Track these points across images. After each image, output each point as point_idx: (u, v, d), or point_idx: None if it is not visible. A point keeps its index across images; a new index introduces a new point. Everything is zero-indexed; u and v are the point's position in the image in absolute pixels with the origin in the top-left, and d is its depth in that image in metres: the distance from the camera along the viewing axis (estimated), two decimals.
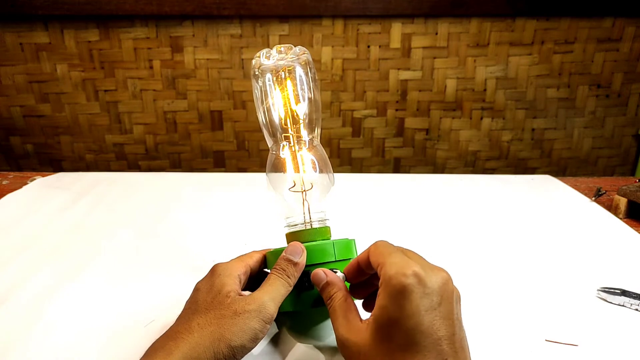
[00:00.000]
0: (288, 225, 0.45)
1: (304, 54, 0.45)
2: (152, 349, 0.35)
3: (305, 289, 0.41)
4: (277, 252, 0.47)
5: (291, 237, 0.45)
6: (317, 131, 0.47)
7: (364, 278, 0.40)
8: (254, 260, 0.43)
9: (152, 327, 0.46)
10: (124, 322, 0.46)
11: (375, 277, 0.38)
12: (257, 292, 0.38)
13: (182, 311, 0.39)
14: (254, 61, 0.45)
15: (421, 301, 0.31)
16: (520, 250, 0.62)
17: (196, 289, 0.40)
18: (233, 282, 0.39)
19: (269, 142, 0.48)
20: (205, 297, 0.38)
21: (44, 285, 0.52)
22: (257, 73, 0.46)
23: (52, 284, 0.52)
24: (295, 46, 0.45)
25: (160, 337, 0.36)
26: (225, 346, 0.34)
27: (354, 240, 0.45)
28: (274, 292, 0.38)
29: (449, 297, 0.33)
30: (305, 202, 0.45)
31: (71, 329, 0.45)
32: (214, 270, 0.41)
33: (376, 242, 0.39)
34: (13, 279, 0.53)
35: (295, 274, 0.39)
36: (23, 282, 0.52)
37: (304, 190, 0.45)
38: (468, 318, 0.47)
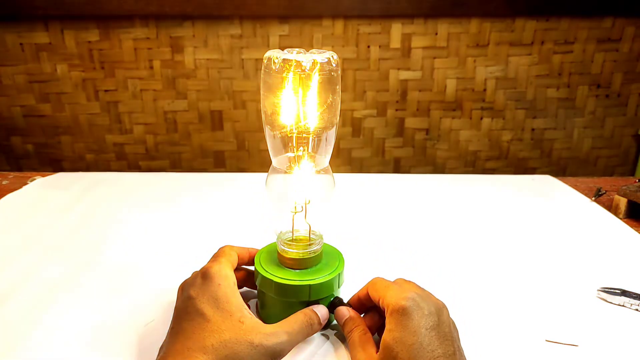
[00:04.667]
0: (283, 242, 0.45)
1: (331, 53, 0.40)
2: None
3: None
4: (270, 250, 0.47)
5: (288, 258, 0.44)
6: (330, 148, 0.44)
7: (364, 309, 0.44)
8: (235, 259, 0.44)
9: (153, 326, 0.46)
10: (124, 321, 0.46)
11: (373, 309, 0.43)
12: (279, 328, 0.37)
13: (183, 322, 0.36)
14: (270, 56, 0.40)
15: (420, 320, 0.35)
16: (520, 251, 0.62)
17: (190, 297, 0.37)
18: (239, 297, 0.38)
19: (274, 154, 0.44)
20: (213, 314, 0.36)
21: (44, 285, 0.52)
22: (274, 68, 0.39)
23: (52, 284, 0.52)
24: (294, 47, 0.42)
25: (168, 350, 0.35)
26: None
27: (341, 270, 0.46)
28: (295, 335, 0.38)
29: (445, 322, 0.37)
30: (307, 222, 0.44)
31: (71, 328, 0.45)
32: (209, 277, 0.39)
33: (373, 279, 0.43)
34: (13, 279, 0.53)
35: (319, 329, 0.41)
36: (23, 283, 0.52)
37: (306, 212, 0.44)
38: (468, 318, 0.47)
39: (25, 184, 0.84)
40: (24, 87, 1.23)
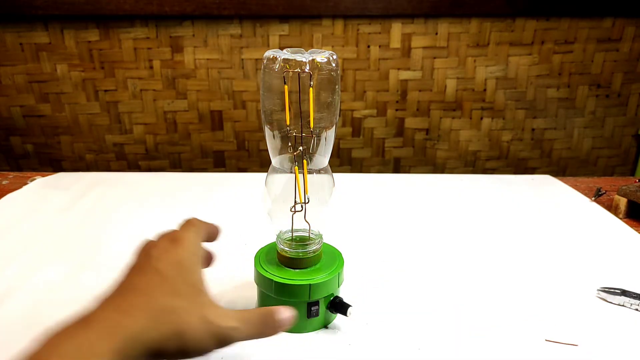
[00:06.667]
0: (283, 242, 0.45)
1: (331, 53, 0.41)
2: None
3: (313, 316, 0.44)
4: (270, 249, 0.47)
5: (287, 258, 0.44)
6: (330, 148, 0.44)
7: None
8: (205, 234, 0.40)
9: None
10: None
11: None
12: (235, 314, 0.33)
13: (134, 277, 0.33)
14: (270, 56, 0.40)
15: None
16: (520, 250, 0.62)
17: (151, 256, 0.34)
18: (203, 274, 0.35)
19: (273, 154, 0.44)
20: (173, 276, 0.32)
21: (44, 285, 0.52)
22: (274, 68, 0.39)
23: (52, 283, 0.52)
24: (294, 47, 0.42)
25: (104, 305, 0.31)
26: (178, 340, 0.30)
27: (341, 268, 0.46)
28: (249, 326, 0.33)
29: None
30: (306, 222, 0.44)
31: None
32: (178, 242, 0.35)
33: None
34: (13, 279, 0.53)
35: (275, 332, 0.35)
36: (23, 282, 0.52)
37: (305, 211, 0.44)
38: (468, 317, 0.47)
39: (25, 184, 0.84)
40: (24, 87, 1.23)
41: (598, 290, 0.51)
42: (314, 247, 0.44)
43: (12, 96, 1.24)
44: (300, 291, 0.42)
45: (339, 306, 0.44)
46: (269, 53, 0.40)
